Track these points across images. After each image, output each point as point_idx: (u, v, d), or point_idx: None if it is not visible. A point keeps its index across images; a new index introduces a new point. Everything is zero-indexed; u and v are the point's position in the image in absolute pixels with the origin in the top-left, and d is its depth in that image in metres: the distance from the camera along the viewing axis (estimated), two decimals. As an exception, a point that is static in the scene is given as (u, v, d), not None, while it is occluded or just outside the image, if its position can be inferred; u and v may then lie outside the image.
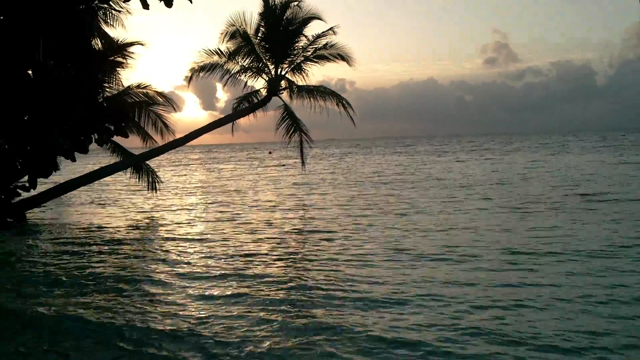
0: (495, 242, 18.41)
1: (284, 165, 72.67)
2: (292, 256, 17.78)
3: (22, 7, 15.61)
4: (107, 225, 25.94)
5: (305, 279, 14.81)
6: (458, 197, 31.42)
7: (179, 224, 25.58)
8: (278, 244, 19.84)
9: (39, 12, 18.17)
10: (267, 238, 21.03)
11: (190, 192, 41.68)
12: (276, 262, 16.93)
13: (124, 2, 29.31)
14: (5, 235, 23.48)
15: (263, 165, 79.94)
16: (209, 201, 34.76)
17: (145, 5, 10.63)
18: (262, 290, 13.59)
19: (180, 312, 12.08)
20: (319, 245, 19.24)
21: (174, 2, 10.65)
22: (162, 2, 10.29)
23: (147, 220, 27.53)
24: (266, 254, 17.96)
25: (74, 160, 13.34)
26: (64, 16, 25.99)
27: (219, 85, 29.93)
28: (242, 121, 30.33)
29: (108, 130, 15.36)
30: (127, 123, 27.98)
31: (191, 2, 10.97)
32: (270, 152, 66.84)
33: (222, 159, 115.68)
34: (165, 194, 37.79)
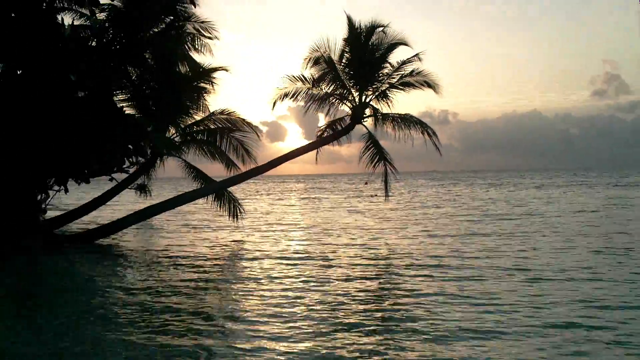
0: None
1: (374, 195, 71.04)
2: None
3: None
4: (191, 253, 25.49)
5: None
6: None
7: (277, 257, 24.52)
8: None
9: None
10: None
11: (290, 225, 40.77)
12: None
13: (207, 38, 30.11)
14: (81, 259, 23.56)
15: (360, 196, 78.44)
16: (307, 234, 33.40)
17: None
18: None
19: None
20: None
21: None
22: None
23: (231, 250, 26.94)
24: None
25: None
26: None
27: (321, 116, 29.16)
28: (330, 150, 29.58)
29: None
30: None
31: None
32: (366, 183, 65.63)
33: (315, 189, 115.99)
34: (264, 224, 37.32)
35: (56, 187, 28.69)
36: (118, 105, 27.05)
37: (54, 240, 26.04)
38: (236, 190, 30.01)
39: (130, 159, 27.58)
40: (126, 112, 28.44)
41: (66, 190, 27.04)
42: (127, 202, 45.98)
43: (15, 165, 24.14)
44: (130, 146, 26.96)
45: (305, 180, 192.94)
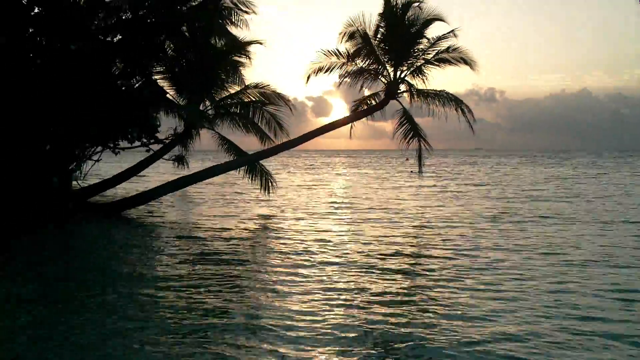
0: None
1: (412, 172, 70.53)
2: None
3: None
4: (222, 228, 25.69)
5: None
6: None
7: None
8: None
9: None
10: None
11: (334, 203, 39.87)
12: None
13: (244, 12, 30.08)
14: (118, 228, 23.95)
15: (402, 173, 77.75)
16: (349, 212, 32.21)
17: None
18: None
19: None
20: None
21: None
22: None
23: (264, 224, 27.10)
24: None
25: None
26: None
27: (367, 92, 28.84)
28: (375, 126, 29.39)
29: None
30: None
31: None
32: (407, 159, 64.72)
33: (353, 163, 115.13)
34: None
35: (95, 158, 29.39)
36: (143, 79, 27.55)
37: (84, 209, 26.46)
38: (272, 162, 29.87)
39: (134, 132, 28.06)
40: (160, 85, 28.87)
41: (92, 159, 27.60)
42: (166, 173, 46.43)
43: (32, 132, 24.42)
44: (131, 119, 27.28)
45: (348, 155, 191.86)
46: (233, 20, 30.03)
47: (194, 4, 28.74)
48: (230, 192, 42.25)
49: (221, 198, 37.96)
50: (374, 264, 16.85)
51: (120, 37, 27.86)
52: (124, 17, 27.62)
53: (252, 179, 28.53)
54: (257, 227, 25.47)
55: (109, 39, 27.88)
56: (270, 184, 28.90)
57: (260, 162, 29.05)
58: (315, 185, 53.58)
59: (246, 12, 30.10)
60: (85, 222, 24.66)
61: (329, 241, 20.83)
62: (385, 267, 16.54)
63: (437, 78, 27.02)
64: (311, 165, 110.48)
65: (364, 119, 29.07)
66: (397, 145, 28.60)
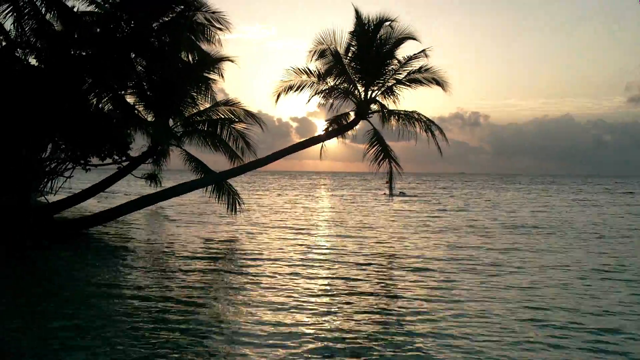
0: None
1: (384, 193, 70.61)
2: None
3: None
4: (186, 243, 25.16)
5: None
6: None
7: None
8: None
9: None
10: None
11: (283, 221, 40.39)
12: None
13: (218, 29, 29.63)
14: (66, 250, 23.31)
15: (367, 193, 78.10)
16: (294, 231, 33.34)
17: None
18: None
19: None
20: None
21: None
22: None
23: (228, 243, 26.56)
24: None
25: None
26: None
27: (340, 111, 28.20)
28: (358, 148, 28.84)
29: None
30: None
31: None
32: (387, 182, 64.80)
33: (334, 185, 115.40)
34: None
35: (66, 174, 28.81)
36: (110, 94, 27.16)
37: (46, 225, 25.77)
38: (241, 182, 29.49)
39: (106, 149, 27.54)
40: (129, 101, 28.35)
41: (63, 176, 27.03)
42: (138, 192, 45.83)
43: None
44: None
45: (331, 177, 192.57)
46: (206, 36, 29.55)
47: (166, 19, 28.26)
48: (201, 210, 41.70)
49: (191, 215, 37.43)
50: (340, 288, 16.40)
51: (90, 52, 27.33)
52: (95, 32, 27.15)
53: (219, 199, 27.94)
54: (223, 245, 24.96)
55: (79, 53, 27.37)
56: (237, 204, 28.32)
57: (229, 181, 28.51)
58: (285, 206, 53.36)
59: (220, 29, 29.62)
60: (44, 239, 23.97)
61: (293, 258, 20.94)
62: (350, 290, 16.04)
63: (421, 101, 26.60)
64: (285, 185, 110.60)
65: (346, 140, 28.66)
66: (367, 167, 28.10)
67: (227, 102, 28.94)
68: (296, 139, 27.17)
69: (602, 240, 28.91)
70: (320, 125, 28.98)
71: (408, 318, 13.09)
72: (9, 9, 25.08)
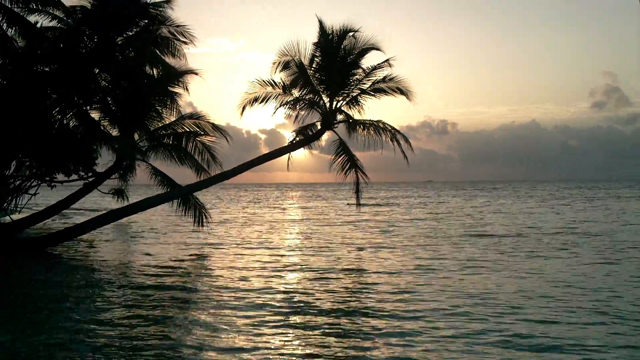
0: None
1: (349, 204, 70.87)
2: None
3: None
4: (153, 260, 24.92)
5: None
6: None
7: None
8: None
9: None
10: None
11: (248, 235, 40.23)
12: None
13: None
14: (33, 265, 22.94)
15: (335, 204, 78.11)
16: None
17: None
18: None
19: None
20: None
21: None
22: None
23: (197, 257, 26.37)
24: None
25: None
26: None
27: (306, 122, 28.09)
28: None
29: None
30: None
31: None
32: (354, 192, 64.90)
33: (304, 196, 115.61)
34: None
35: (31, 192, 28.40)
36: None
37: (6, 243, 25.37)
38: (209, 196, 29.39)
39: (71, 166, 27.23)
40: (93, 116, 28.09)
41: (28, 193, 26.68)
42: (105, 207, 45.40)
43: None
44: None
45: (303, 188, 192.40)
46: (171, 50, 29.43)
47: (130, 34, 28.08)
48: (168, 224, 41.40)
49: (157, 231, 37.18)
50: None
51: (53, 67, 27.05)
52: (58, 47, 26.87)
53: (185, 212, 27.73)
54: (189, 260, 24.78)
55: (42, 69, 27.08)
56: (203, 218, 28.14)
57: (196, 195, 28.33)
58: (252, 218, 53.21)
59: (185, 42, 29.50)
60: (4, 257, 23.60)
61: (263, 272, 20.92)
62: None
63: (390, 110, 26.72)
64: (256, 198, 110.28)
65: (314, 151, 28.68)
66: (334, 177, 28.11)
67: (192, 115, 28.80)
68: (265, 151, 27.09)
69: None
70: (288, 137, 28.87)
71: (370, 333, 12.98)
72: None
